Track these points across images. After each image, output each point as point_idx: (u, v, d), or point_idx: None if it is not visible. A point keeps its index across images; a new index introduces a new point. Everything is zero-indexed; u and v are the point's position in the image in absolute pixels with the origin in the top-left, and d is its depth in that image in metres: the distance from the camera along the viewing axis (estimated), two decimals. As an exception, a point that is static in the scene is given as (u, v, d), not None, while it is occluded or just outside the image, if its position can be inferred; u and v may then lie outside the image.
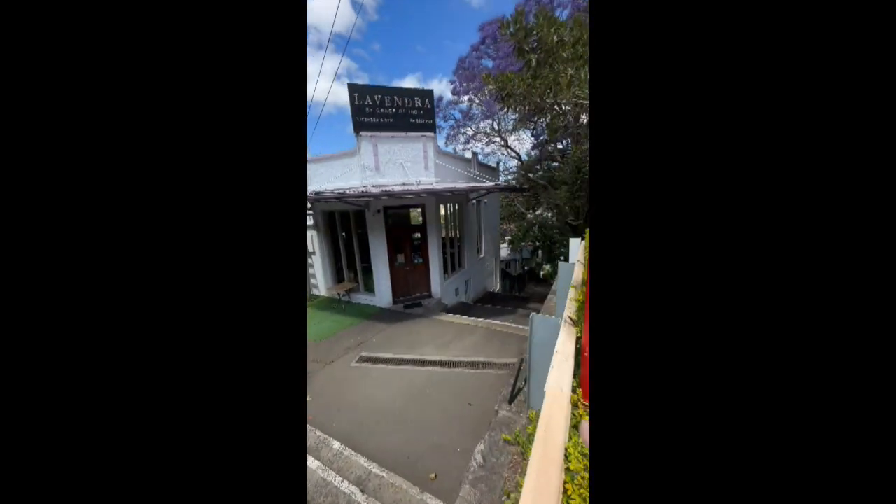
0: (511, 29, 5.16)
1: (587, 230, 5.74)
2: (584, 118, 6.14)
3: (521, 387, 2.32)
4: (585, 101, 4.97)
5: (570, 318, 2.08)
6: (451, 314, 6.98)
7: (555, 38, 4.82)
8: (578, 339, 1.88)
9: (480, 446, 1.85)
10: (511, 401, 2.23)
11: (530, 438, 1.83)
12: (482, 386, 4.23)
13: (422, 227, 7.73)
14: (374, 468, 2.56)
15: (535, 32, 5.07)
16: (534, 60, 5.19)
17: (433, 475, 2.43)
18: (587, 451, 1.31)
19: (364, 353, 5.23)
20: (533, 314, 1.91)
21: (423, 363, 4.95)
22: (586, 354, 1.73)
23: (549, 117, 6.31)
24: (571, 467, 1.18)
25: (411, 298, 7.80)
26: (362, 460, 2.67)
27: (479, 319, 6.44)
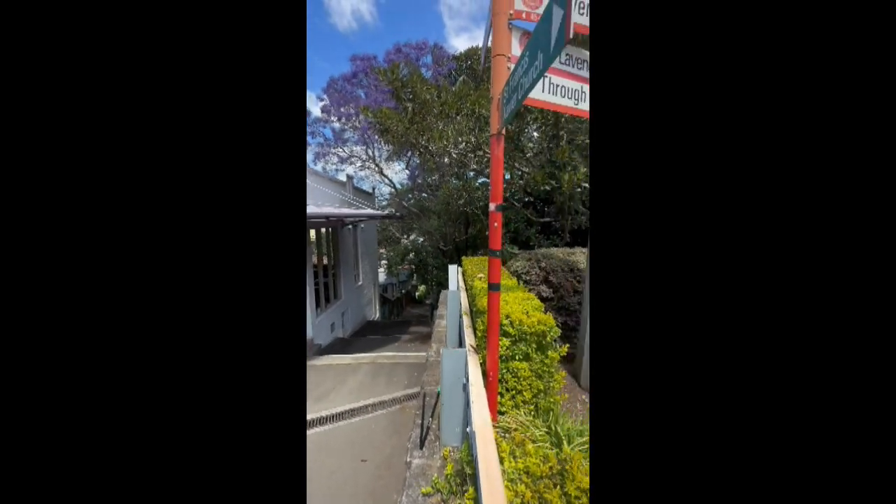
0: (389, 76, 5.51)
1: (462, 258, 6.61)
2: (446, 159, 7.15)
3: (429, 425, 2.27)
4: (453, 150, 5.82)
5: (472, 346, 2.26)
6: (327, 356, 6.06)
7: (427, 96, 5.48)
8: (482, 365, 2.07)
9: (399, 513, 1.65)
10: (422, 444, 2.14)
11: (450, 480, 1.80)
12: (375, 432, 3.82)
13: (287, 256, 6.50)
14: None
15: (409, 86, 5.60)
16: (410, 108, 5.68)
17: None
18: (519, 465, 1.42)
19: (198, 439, 3.66)
20: (443, 348, 1.95)
21: (295, 426, 3.98)
22: (490, 378, 1.92)
23: (424, 156, 7.00)
24: (519, 489, 1.24)
25: (272, 344, 6.23)
26: None
27: (362, 354, 5.90)
